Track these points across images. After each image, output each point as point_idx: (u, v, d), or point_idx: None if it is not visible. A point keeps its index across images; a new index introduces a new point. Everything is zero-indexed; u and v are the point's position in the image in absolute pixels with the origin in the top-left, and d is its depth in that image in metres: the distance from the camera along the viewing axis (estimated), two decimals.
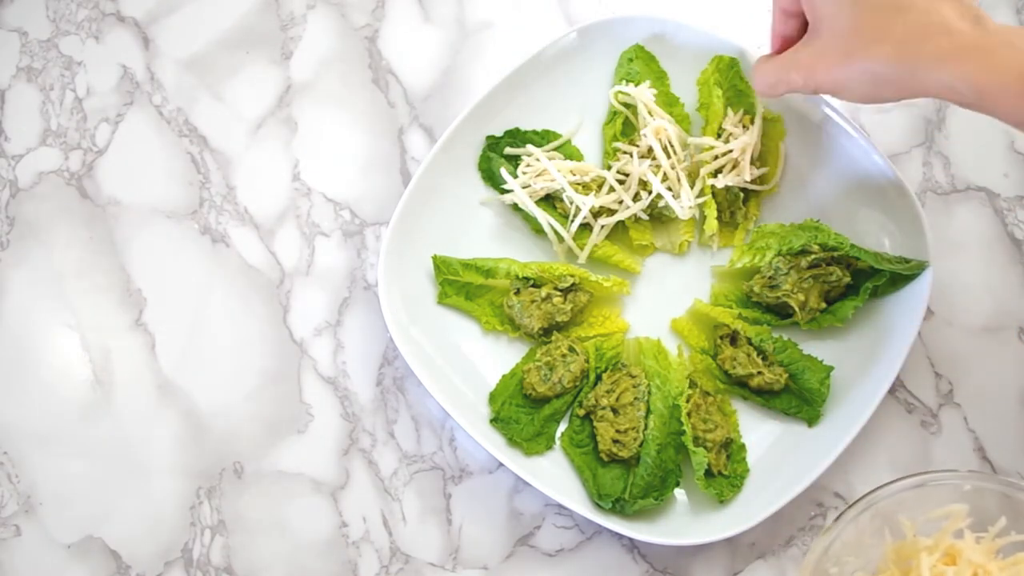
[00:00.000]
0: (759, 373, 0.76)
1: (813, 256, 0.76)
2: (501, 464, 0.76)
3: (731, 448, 0.76)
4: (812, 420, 0.76)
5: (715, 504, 0.75)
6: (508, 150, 0.82)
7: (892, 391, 0.78)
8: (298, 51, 0.88)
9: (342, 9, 0.89)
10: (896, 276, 0.76)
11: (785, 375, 0.76)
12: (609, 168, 0.81)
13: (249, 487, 0.80)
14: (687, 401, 0.76)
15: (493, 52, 0.88)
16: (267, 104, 0.87)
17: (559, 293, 0.78)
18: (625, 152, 0.81)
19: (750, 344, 0.77)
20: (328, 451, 0.80)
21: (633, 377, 0.77)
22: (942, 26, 0.58)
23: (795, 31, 0.70)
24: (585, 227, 0.81)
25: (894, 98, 0.63)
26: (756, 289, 0.78)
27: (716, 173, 0.80)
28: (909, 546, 0.67)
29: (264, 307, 0.83)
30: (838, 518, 0.66)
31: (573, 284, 0.78)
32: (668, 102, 0.83)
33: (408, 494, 0.79)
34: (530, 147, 0.81)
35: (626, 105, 0.82)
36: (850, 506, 0.66)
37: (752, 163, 0.80)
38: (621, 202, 0.80)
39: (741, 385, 0.77)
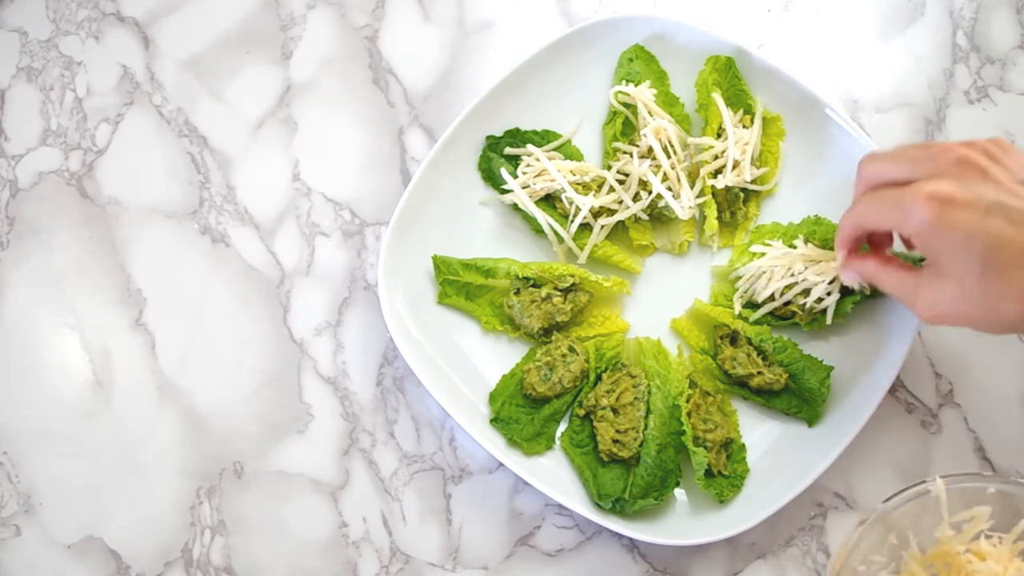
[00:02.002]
0: (759, 373, 0.76)
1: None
2: (501, 464, 0.76)
3: (731, 448, 0.76)
4: (812, 420, 0.76)
5: (715, 504, 0.75)
6: (508, 150, 0.82)
7: (892, 391, 0.78)
8: (298, 51, 0.89)
9: (342, 9, 0.89)
10: None
11: (785, 375, 0.76)
12: (609, 168, 0.81)
13: (249, 487, 0.80)
14: (687, 401, 0.76)
15: (493, 52, 0.88)
16: (267, 104, 0.87)
17: (559, 293, 0.78)
18: (625, 152, 0.81)
19: (750, 344, 0.77)
20: (328, 451, 0.80)
21: (633, 377, 0.77)
22: None
23: (860, 242, 0.70)
24: (585, 227, 0.81)
25: None
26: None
27: (716, 173, 0.80)
28: (941, 549, 0.68)
29: (264, 307, 0.83)
30: (862, 522, 0.67)
31: (573, 284, 0.78)
32: (668, 102, 0.83)
33: (408, 494, 0.79)
34: (530, 147, 0.81)
35: (626, 105, 0.82)
36: (876, 509, 0.67)
37: (752, 163, 0.80)
38: (621, 202, 0.80)
39: (741, 385, 0.77)
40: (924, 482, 0.67)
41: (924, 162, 0.63)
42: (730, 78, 0.81)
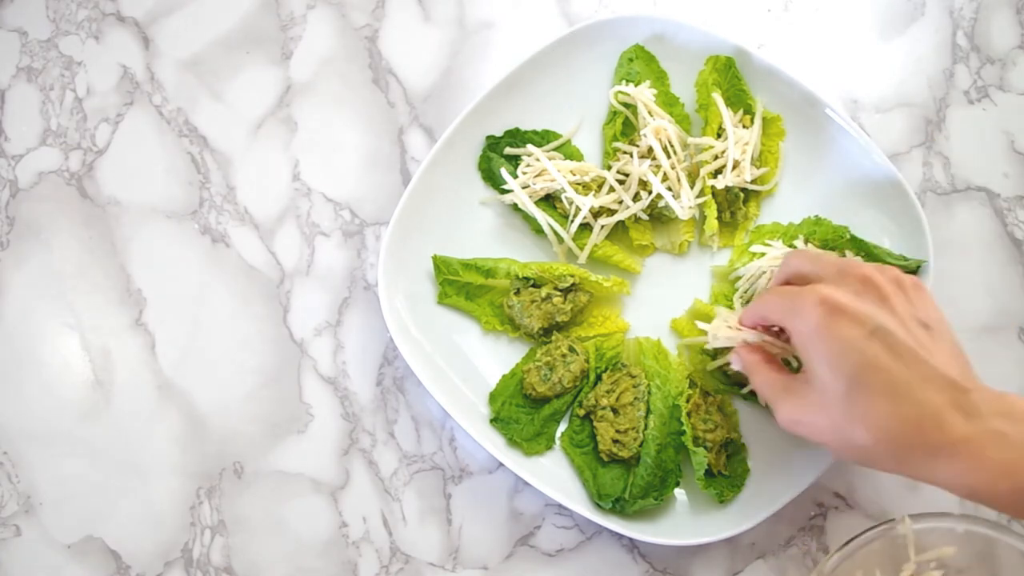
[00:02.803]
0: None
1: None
2: (501, 464, 0.76)
3: (731, 448, 0.76)
4: None
5: (715, 504, 0.75)
6: (508, 150, 0.82)
7: None
8: (298, 51, 0.89)
9: (342, 9, 0.89)
10: None
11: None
12: (609, 168, 0.81)
13: (249, 487, 0.80)
14: (687, 401, 0.76)
15: (493, 52, 0.88)
16: (267, 104, 0.87)
17: (559, 293, 0.78)
18: (625, 152, 0.81)
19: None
20: (328, 451, 0.80)
21: (633, 377, 0.77)
22: (934, 419, 0.57)
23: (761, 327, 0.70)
24: (585, 227, 0.81)
25: (884, 471, 0.61)
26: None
27: (716, 173, 0.80)
28: None
29: (264, 307, 0.83)
30: (829, 558, 0.66)
31: (573, 284, 0.78)
32: (668, 102, 0.83)
33: (408, 494, 0.79)
34: (530, 147, 0.81)
35: (626, 105, 0.82)
36: (832, 554, 0.66)
37: (752, 163, 0.80)
38: (621, 202, 0.80)
39: (741, 385, 0.77)
40: (892, 520, 0.66)
41: (833, 268, 0.64)
42: (730, 78, 0.81)
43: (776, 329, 0.70)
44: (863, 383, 0.58)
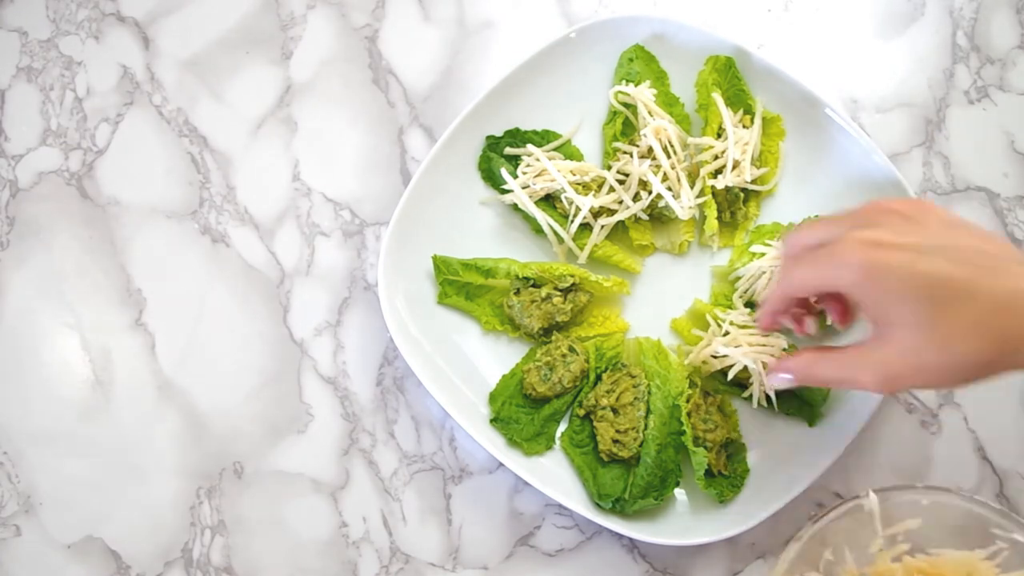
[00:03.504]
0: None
1: None
2: (501, 464, 0.76)
3: (731, 448, 0.76)
4: (812, 420, 0.76)
5: (715, 504, 0.75)
6: (508, 150, 0.82)
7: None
8: (298, 51, 0.88)
9: (342, 9, 0.89)
10: None
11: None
12: (609, 168, 0.81)
13: (249, 487, 0.80)
14: (687, 401, 0.76)
15: (493, 52, 0.88)
16: (267, 104, 0.87)
17: (559, 293, 0.78)
18: (625, 152, 0.81)
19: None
20: (328, 451, 0.80)
21: (633, 377, 0.77)
22: (1016, 295, 0.54)
23: (788, 316, 0.67)
24: (585, 227, 0.81)
25: (986, 382, 0.57)
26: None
27: (716, 173, 0.80)
28: (877, 568, 0.68)
29: (264, 307, 0.83)
30: (797, 538, 0.66)
31: (573, 284, 0.78)
32: (668, 102, 0.83)
33: (408, 494, 0.79)
34: (530, 147, 0.81)
35: (626, 105, 0.82)
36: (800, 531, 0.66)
37: (752, 163, 0.80)
38: (621, 202, 0.80)
39: (741, 386, 0.77)
40: (858, 496, 0.66)
41: (847, 219, 0.60)
42: (730, 78, 0.81)
43: (794, 311, 0.67)
44: (943, 300, 0.55)
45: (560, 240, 0.80)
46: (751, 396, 0.76)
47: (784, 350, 0.73)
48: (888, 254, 0.56)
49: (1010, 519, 0.66)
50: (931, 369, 0.56)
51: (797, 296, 0.64)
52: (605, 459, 0.76)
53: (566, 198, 0.80)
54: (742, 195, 0.80)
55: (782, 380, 0.66)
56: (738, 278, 0.79)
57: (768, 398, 0.76)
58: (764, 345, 0.75)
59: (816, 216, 0.79)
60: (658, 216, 0.81)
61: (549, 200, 0.81)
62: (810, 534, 0.66)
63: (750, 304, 0.79)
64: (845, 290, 0.58)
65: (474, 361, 0.80)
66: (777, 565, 0.66)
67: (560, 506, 0.77)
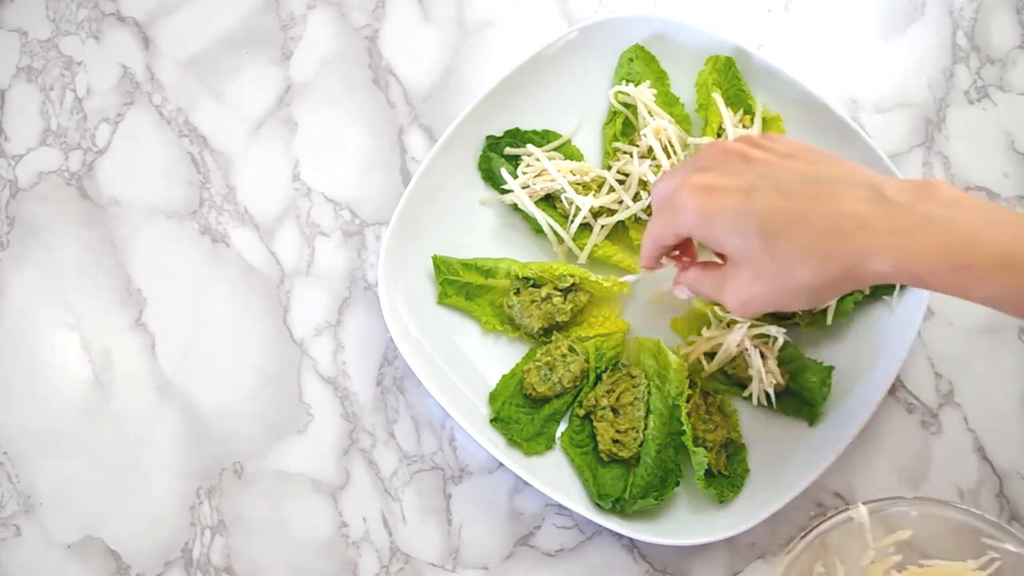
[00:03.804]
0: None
1: None
2: (501, 464, 0.76)
3: (731, 448, 0.76)
4: (812, 420, 0.76)
5: (715, 504, 0.75)
6: (508, 150, 0.82)
7: (892, 391, 0.78)
8: (298, 51, 0.88)
9: (342, 9, 0.89)
10: None
11: (786, 375, 0.76)
12: (609, 168, 0.81)
13: (249, 487, 0.80)
14: (687, 401, 0.76)
15: (493, 52, 0.88)
16: (267, 104, 0.87)
17: (559, 293, 0.78)
18: (625, 152, 0.81)
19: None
20: (328, 451, 0.80)
21: (633, 377, 0.77)
22: (854, 221, 0.56)
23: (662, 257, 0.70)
24: (585, 227, 0.81)
25: (835, 298, 0.62)
26: None
27: None
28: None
29: (264, 307, 0.83)
30: (788, 551, 0.66)
31: (573, 284, 0.78)
32: (668, 102, 0.83)
33: (408, 494, 0.79)
34: (530, 147, 0.81)
35: (626, 105, 0.82)
36: (800, 538, 0.67)
37: None
38: (621, 202, 0.80)
39: (741, 386, 0.77)
40: (847, 508, 0.66)
41: (689, 163, 0.64)
42: (730, 78, 0.81)
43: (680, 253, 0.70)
44: (774, 231, 0.58)
45: (560, 240, 0.80)
46: (751, 396, 0.76)
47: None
48: (719, 198, 0.60)
49: (1002, 529, 0.66)
50: (777, 292, 0.60)
51: (663, 244, 0.67)
52: (605, 459, 0.76)
53: (566, 198, 0.80)
54: None
55: (682, 289, 0.69)
56: None
57: (768, 398, 0.76)
58: (760, 335, 0.75)
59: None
60: None
61: (549, 200, 0.81)
62: (801, 547, 0.66)
63: None
64: (689, 234, 0.63)
65: (474, 361, 0.80)
66: (782, 560, 0.66)
67: (560, 506, 0.77)
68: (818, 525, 0.66)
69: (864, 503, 0.66)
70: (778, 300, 0.61)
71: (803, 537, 0.66)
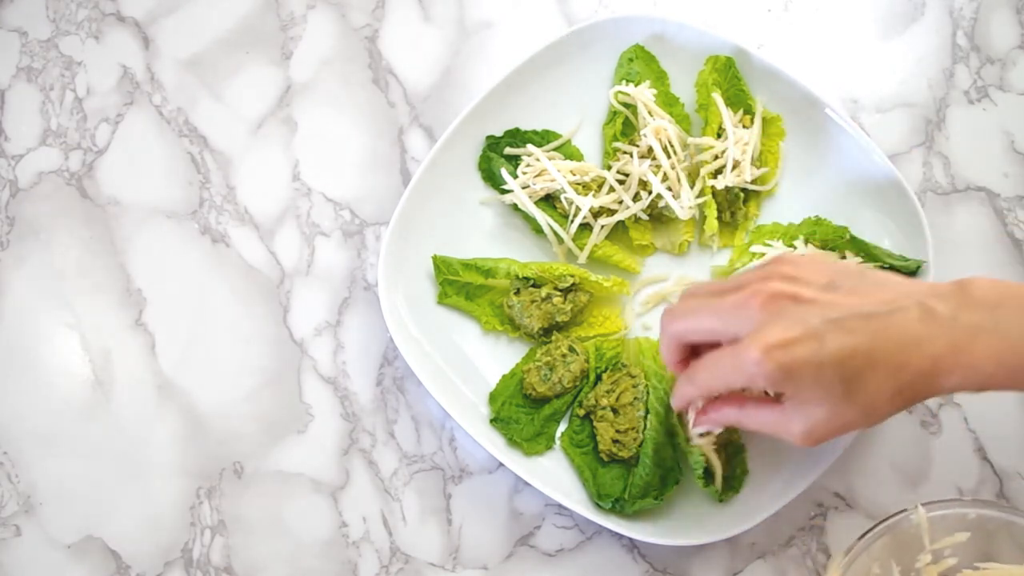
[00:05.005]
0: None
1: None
2: (501, 464, 0.76)
3: (731, 448, 0.76)
4: None
5: (715, 504, 0.75)
6: (508, 150, 0.82)
7: None
8: (298, 51, 0.88)
9: (342, 9, 0.89)
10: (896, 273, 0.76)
11: None
12: (609, 168, 0.81)
13: (249, 487, 0.80)
14: None
15: (493, 52, 0.88)
16: (267, 104, 0.87)
17: (559, 293, 0.78)
18: (625, 152, 0.81)
19: None
20: (328, 451, 0.80)
21: (633, 377, 0.77)
22: (916, 348, 0.58)
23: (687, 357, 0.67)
24: (585, 227, 0.81)
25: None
26: None
27: (716, 173, 0.80)
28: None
29: (264, 307, 0.83)
30: (847, 552, 0.66)
31: (573, 284, 0.78)
32: (668, 102, 0.83)
33: (408, 494, 0.79)
34: (530, 147, 0.81)
35: (626, 105, 0.82)
36: (860, 537, 0.67)
37: (752, 163, 0.80)
38: (621, 202, 0.80)
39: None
40: (905, 511, 0.66)
41: (727, 312, 0.61)
42: (730, 78, 0.81)
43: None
44: (851, 376, 0.58)
45: (560, 240, 0.80)
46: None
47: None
48: (793, 352, 0.58)
49: None
50: (852, 426, 0.61)
51: (711, 394, 0.66)
52: (605, 459, 0.76)
53: (566, 198, 0.80)
54: (742, 195, 0.80)
55: (710, 425, 0.68)
56: None
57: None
58: None
59: (818, 219, 0.79)
60: (658, 216, 0.81)
61: (549, 200, 0.81)
62: (860, 547, 0.66)
63: None
64: (760, 389, 0.64)
65: (474, 361, 0.80)
66: (842, 555, 0.66)
67: (560, 506, 0.77)
68: (876, 526, 0.66)
69: (922, 504, 0.66)
70: (851, 429, 0.61)
71: (862, 537, 0.66)
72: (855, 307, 0.59)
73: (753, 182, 0.80)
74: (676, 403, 0.68)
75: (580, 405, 0.78)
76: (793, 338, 0.58)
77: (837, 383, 0.58)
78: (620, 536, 0.76)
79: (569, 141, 0.83)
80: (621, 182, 0.81)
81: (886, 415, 0.60)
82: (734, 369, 0.60)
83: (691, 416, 0.68)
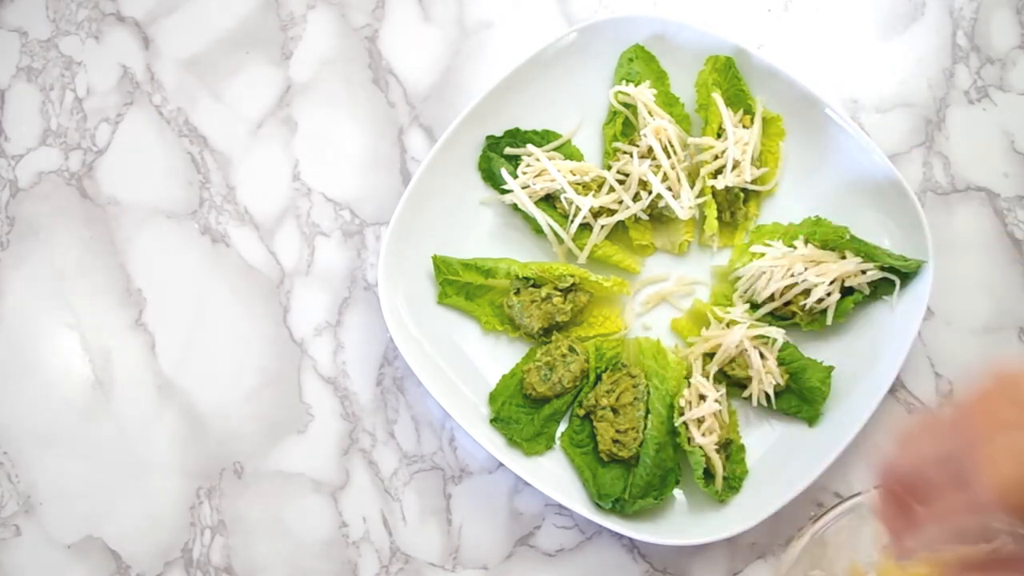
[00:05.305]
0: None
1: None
2: (501, 464, 0.76)
3: (731, 448, 0.76)
4: (812, 420, 0.76)
5: (715, 504, 0.75)
6: (508, 150, 0.82)
7: (892, 391, 0.78)
8: (298, 51, 0.88)
9: (342, 9, 0.89)
10: (896, 273, 0.76)
11: (785, 375, 0.76)
12: (609, 168, 0.81)
13: (249, 487, 0.80)
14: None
15: (493, 52, 0.88)
16: (267, 104, 0.87)
17: (559, 293, 0.78)
18: (625, 152, 0.81)
19: None
20: (328, 451, 0.80)
21: (633, 377, 0.77)
22: None
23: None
24: (585, 227, 0.81)
25: None
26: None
27: (716, 173, 0.80)
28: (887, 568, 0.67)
29: (264, 307, 0.83)
30: (798, 538, 0.65)
31: (573, 284, 0.78)
32: (668, 102, 0.83)
33: (408, 494, 0.79)
34: (530, 147, 0.81)
35: (626, 105, 0.82)
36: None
37: (752, 163, 0.80)
38: (621, 202, 0.80)
39: (741, 386, 0.77)
40: (858, 494, 0.66)
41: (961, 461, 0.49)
42: (730, 78, 0.81)
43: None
44: None
45: (560, 240, 0.80)
46: (751, 396, 0.76)
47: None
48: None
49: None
50: None
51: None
52: (605, 459, 0.76)
53: (566, 198, 0.80)
54: (742, 195, 0.80)
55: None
56: (738, 278, 0.79)
57: (768, 397, 0.76)
58: (760, 336, 0.75)
59: (818, 219, 0.79)
60: (658, 216, 0.81)
61: (549, 200, 0.81)
62: (811, 533, 0.65)
63: (751, 304, 0.79)
64: None
65: (474, 361, 0.80)
66: (779, 566, 0.66)
67: (560, 506, 0.77)
68: (828, 511, 0.65)
69: (876, 487, 0.65)
70: None
71: (814, 522, 0.65)
72: None
73: (753, 182, 0.80)
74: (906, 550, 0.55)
75: (580, 405, 0.78)
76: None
77: None
78: (620, 536, 0.76)
79: (569, 141, 0.83)
80: (621, 182, 0.81)
81: None
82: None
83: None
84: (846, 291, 0.77)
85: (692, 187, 0.80)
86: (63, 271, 0.84)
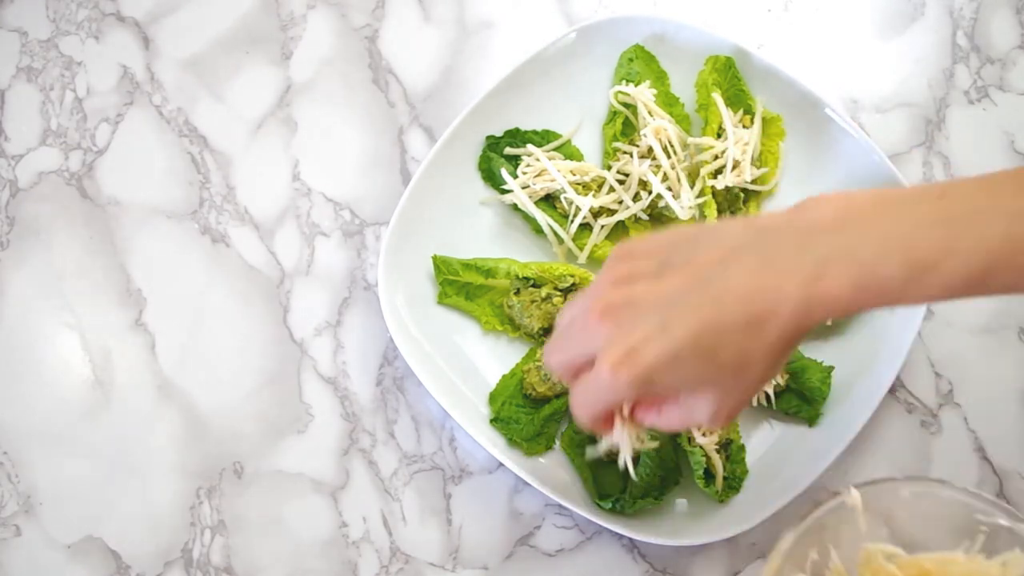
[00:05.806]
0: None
1: None
2: (501, 464, 0.76)
3: (731, 449, 0.76)
4: (812, 420, 0.76)
5: (715, 504, 0.75)
6: (508, 150, 0.82)
7: (892, 391, 0.78)
8: (298, 51, 0.88)
9: (342, 9, 0.89)
10: None
11: (785, 375, 0.76)
12: (609, 168, 0.81)
13: (249, 487, 0.80)
14: None
15: (493, 52, 0.88)
16: (267, 104, 0.87)
17: (559, 293, 0.78)
18: (625, 152, 0.81)
19: None
20: (328, 451, 0.80)
21: None
22: (762, 298, 0.54)
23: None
24: (585, 227, 0.81)
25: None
26: None
27: (716, 173, 0.80)
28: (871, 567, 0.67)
29: (264, 307, 0.83)
30: (782, 539, 0.65)
31: (573, 284, 0.78)
32: (668, 102, 0.83)
33: (408, 494, 0.79)
34: (530, 147, 0.81)
35: (626, 105, 0.82)
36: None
37: (752, 163, 0.80)
38: (621, 202, 0.80)
39: None
40: (839, 493, 0.66)
41: (578, 336, 0.59)
42: (730, 78, 0.81)
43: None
44: (709, 352, 0.54)
45: (560, 240, 0.80)
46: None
47: None
48: (639, 358, 0.55)
49: (994, 505, 0.65)
50: (747, 392, 0.57)
51: (604, 407, 0.62)
52: (605, 459, 0.76)
53: (566, 198, 0.80)
54: (742, 195, 0.80)
55: (628, 442, 0.65)
56: None
57: (768, 397, 0.76)
58: None
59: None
60: (658, 216, 0.81)
61: (549, 200, 0.81)
62: (795, 536, 0.65)
63: None
64: (634, 397, 0.59)
65: (474, 361, 0.80)
66: (764, 570, 0.66)
67: (560, 506, 0.77)
68: (810, 512, 0.65)
69: (855, 486, 0.65)
70: (750, 396, 0.58)
71: (795, 526, 0.65)
72: (690, 281, 0.56)
73: (753, 182, 0.80)
74: (582, 425, 0.63)
75: None
76: (634, 345, 0.55)
77: (702, 364, 0.55)
78: (620, 536, 0.76)
79: (569, 141, 0.83)
80: (621, 182, 0.81)
81: (768, 370, 0.56)
82: (599, 392, 0.58)
83: (618, 424, 0.64)
84: None
85: (692, 187, 0.80)
86: (63, 271, 0.84)
